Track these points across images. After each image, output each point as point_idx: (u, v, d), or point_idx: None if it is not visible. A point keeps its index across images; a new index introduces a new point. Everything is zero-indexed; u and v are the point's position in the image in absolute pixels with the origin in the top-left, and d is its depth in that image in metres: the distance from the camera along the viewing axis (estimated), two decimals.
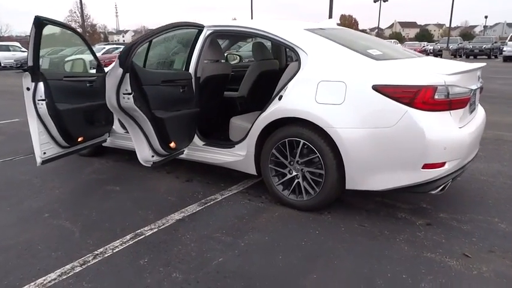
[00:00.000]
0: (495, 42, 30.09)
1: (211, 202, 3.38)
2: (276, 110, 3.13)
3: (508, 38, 24.91)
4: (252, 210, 3.22)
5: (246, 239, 2.75)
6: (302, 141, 3.03)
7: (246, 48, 11.63)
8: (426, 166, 2.67)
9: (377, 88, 2.71)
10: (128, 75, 2.68)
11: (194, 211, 3.21)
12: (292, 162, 3.17)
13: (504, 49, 24.62)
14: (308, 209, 3.14)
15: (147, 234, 2.83)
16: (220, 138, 3.91)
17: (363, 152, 2.78)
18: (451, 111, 2.71)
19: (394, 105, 2.66)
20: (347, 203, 3.30)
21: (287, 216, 3.10)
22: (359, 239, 2.73)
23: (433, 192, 2.77)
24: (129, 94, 2.74)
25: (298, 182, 3.16)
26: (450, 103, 2.67)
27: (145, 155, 3.09)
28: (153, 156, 3.14)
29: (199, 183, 3.84)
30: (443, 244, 2.66)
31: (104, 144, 4.35)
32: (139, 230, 2.88)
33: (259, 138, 3.30)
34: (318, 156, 2.97)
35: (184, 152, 3.81)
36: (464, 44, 33.52)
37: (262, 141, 3.32)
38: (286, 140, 3.13)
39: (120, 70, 2.63)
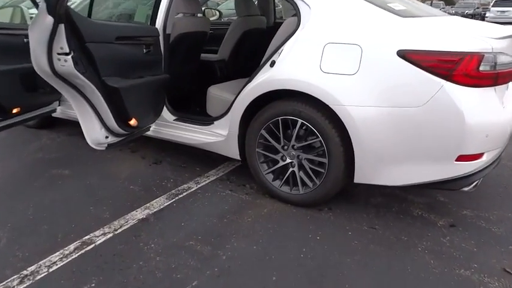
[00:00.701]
0: (477, 8, 29.65)
1: (184, 193, 2.72)
2: (266, 80, 2.44)
3: (491, 4, 24.45)
4: (235, 204, 2.59)
5: (229, 248, 2.13)
6: (300, 120, 2.38)
7: (225, 6, 10.62)
8: (461, 158, 2.07)
9: (404, 55, 2.05)
10: (62, 26, 1.91)
11: (162, 206, 2.55)
12: (286, 147, 2.52)
13: (487, 15, 24.19)
14: (304, 204, 2.54)
15: (98, 242, 2.16)
16: (196, 112, 3.20)
17: (380, 138, 2.15)
18: (496, 87, 2.10)
19: (425, 78, 2.01)
20: (349, 194, 2.71)
21: (279, 213, 2.49)
22: (372, 249, 2.16)
23: (465, 189, 2.20)
24: (66, 54, 1.98)
25: (293, 172, 2.53)
26: (497, 76, 2.05)
27: (96, 135, 2.37)
28: (107, 137, 2.42)
29: (169, 166, 3.16)
30: (476, 255, 2.12)
31: (54, 115, 3.56)
32: (88, 236, 2.21)
33: (245, 115, 2.62)
34: (320, 140, 2.34)
35: (151, 128, 3.10)
36: (446, 9, 32.93)
37: (248, 118, 2.64)
38: (279, 118, 2.46)
39: (50, 19, 1.86)
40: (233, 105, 2.69)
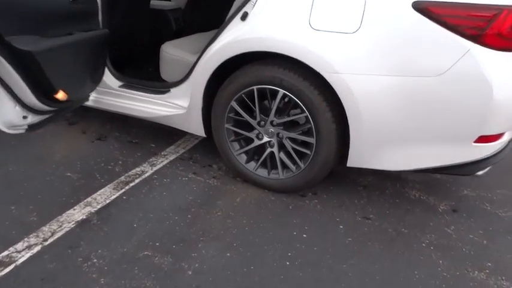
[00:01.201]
0: None
1: (136, 180, 2.20)
2: (237, 38, 1.89)
3: None
4: (201, 193, 2.11)
5: (195, 258, 1.68)
6: (281, 91, 1.88)
7: None
8: (481, 139, 1.69)
9: (422, 7, 1.56)
10: None
11: (108, 201, 2.02)
12: (263, 123, 2.03)
13: None
14: (285, 190, 2.11)
15: (20, 260, 1.62)
16: (148, 76, 2.59)
17: (385, 114, 1.72)
18: None
19: (448, 39, 1.55)
20: (334, 172, 2.30)
21: (255, 203, 2.05)
22: (369, 246, 1.79)
23: (479, 173, 1.85)
24: None
25: (272, 153, 2.07)
26: None
27: (9, 116, 1.75)
28: (25, 116, 1.81)
29: (117, 142, 2.59)
30: (488, 250, 1.82)
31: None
32: (5, 252, 1.66)
33: (210, 83, 2.08)
34: (306, 116, 1.87)
35: (91, 98, 2.48)
36: None
37: (214, 87, 2.10)
38: (254, 88, 1.94)
39: None
40: (194, 70, 2.12)
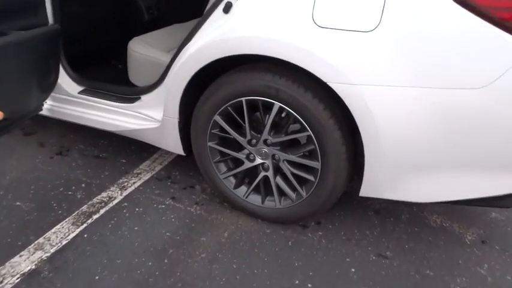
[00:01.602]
0: None
1: (102, 211, 1.81)
2: (218, 37, 1.47)
3: None
4: (181, 226, 1.73)
5: None
6: (277, 104, 1.49)
7: None
8: None
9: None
10: None
11: (65, 241, 1.63)
12: (254, 142, 1.64)
13: None
14: (283, 221, 1.75)
15: None
16: (113, 79, 2.17)
17: (411, 135, 1.34)
18: None
19: (499, 40, 1.18)
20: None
21: (246, 239, 1.68)
22: None
23: None
24: None
25: (267, 177, 1.69)
26: None
27: None
28: None
29: (81, 158, 2.18)
30: None
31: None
32: None
33: (188, 92, 1.67)
34: (309, 135, 1.49)
35: (45, 106, 2.06)
36: None
37: (194, 95, 1.71)
38: (243, 99, 1.55)
39: None
40: (168, 74, 1.72)
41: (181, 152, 1.84)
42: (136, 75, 2.03)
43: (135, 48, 1.99)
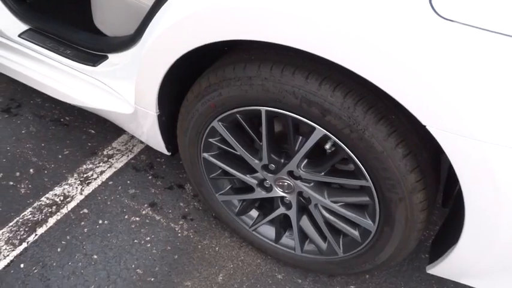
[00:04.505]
0: None
1: (51, 221, 1.28)
2: (216, 4, 0.79)
3: None
4: (160, 259, 1.22)
5: None
6: (321, 131, 0.85)
7: None
8: None
9: None
10: None
11: None
12: (273, 167, 1.03)
13: None
14: (303, 267, 1.23)
15: None
16: (73, 17, 1.46)
17: None
18: None
19: None
20: None
21: (250, 285, 1.20)
22: None
23: None
24: None
25: (287, 215, 1.13)
26: None
27: None
28: None
29: (34, 121, 1.58)
30: None
31: None
32: None
33: (171, 75, 1.01)
34: (369, 187, 0.88)
35: None
36: None
37: (181, 81, 1.05)
38: (262, 110, 0.91)
39: None
40: (144, 34, 1.04)
41: (164, 151, 1.25)
42: (103, 17, 1.33)
43: None
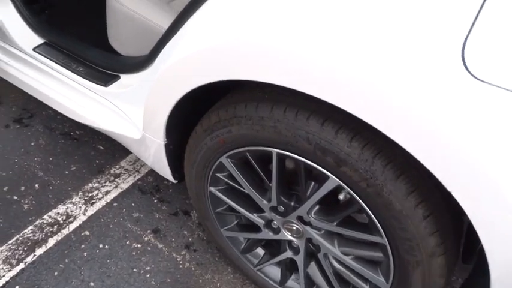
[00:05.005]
0: None
1: (51, 241, 1.24)
2: (242, 39, 0.73)
3: None
4: None
5: None
6: (335, 180, 0.79)
7: None
8: None
9: None
10: None
11: None
12: (283, 209, 0.97)
13: None
14: None
15: None
16: (88, 32, 1.44)
17: None
18: None
19: None
20: None
21: None
22: None
23: None
24: None
25: (293, 260, 1.06)
26: None
27: None
28: None
29: (44, 133, 1.55)
30: None
31: None
32: None
33: (180, 106, 0.96)
34: (385, 245, 0.81)
35: None
36: None
37: (190, 111, 1.00)
38: (273, 151, 0.85)
39: None
40: (156, 60, 1.00)
41: (171, 179, 1.20)
42: (118, 36, 1.29)
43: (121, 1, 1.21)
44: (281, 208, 0.96)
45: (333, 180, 0.79)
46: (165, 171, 1.17)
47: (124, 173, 1.48)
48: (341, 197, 0.83)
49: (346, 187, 0.78)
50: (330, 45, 0.65)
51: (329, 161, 0.77)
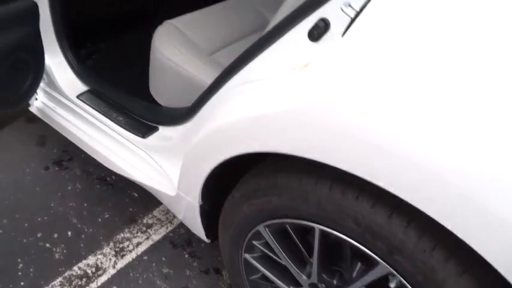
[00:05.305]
0: None
1: None
2: (291, 105, 0.68)
3: None
4: None
5: None
6: (386, 267, 0.70)
7: None
8: None
9: None
10: None
11: None
12: (325, 287, 0.89)
13: None
14: None
15: None
16: (130, 80, 1.45)
17: None
18: None
19: None
20: None
21: None
22: None
23: None
24: None
25: None
26: None
27: None
28: None
29: (81, 177, 1.55)
30: None
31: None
32: None
33: (218, 169, 0.92)
34: None
35: (36, 104, 1.43)
36: None
37: (227, 174, 0.95)
38: (316, 228, 0.78)
39: None
40: (195, 117, 0.97)
41: (204, 238, 1.14)
42: (159, 86, 1.29)
43: (161, 49, 1.21)
44: (322, 286, 0.87)
45: (384, 267, 0.71)
46: (199, 231, 1.12)
47: (156, 223, 1.44)
48: (392, 285, 0.73)
49: (400, 277, 0.69)
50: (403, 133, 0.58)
51: (380, 246, 0.68)
